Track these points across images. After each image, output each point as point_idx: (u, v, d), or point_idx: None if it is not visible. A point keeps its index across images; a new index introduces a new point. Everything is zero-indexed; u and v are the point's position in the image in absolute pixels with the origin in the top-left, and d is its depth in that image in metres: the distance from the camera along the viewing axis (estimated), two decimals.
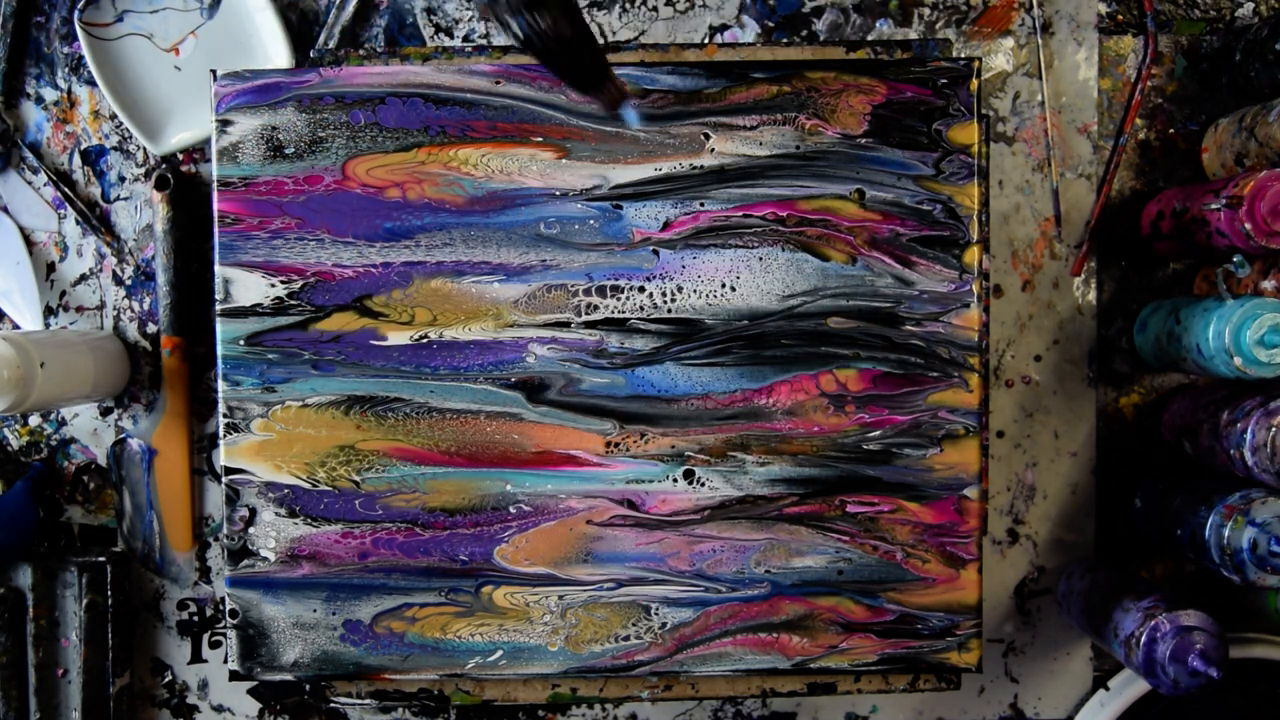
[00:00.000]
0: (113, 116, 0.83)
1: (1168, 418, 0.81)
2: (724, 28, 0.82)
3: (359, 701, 0.77)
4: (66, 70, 0.83)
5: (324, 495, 0.71)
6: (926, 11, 0.82)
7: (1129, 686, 0.81)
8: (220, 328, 0.71)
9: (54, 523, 0.84)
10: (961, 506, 0.71)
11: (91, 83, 0.83)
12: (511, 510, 0.72)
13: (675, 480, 0.71)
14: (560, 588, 0.72)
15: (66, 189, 0.83)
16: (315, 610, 0.72)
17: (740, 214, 0.71)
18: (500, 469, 0.71)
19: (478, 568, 0.72)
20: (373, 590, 0.72)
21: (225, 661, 0.79)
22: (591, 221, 0.71)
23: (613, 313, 0.71)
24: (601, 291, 0.71)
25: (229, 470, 0.71)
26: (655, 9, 0.82)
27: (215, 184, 0.71)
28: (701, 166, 0.71)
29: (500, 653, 0.72)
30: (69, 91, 0.83)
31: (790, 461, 0.71)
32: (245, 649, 0.72)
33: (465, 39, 0.82)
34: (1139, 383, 0.83)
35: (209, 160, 0.76)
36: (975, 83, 0.70)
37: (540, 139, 0.70)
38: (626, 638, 0.72)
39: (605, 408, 0.71)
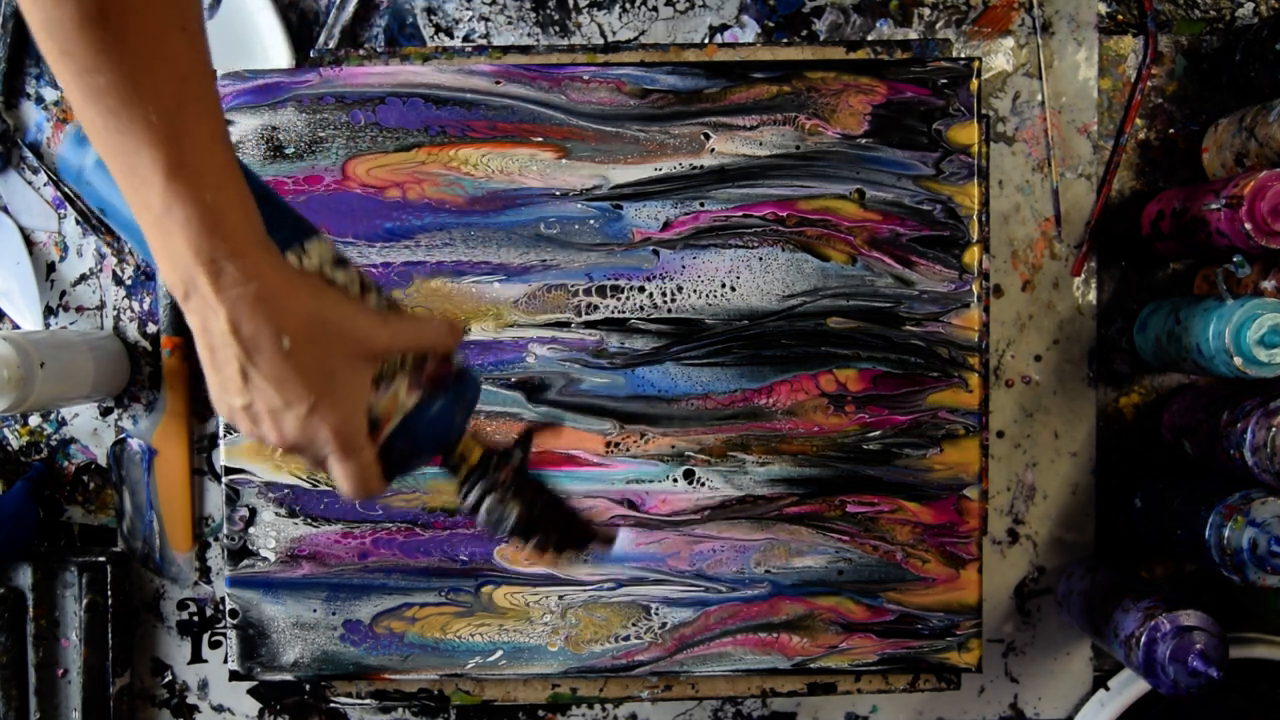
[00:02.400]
0: None
1: (1168, 418, 0.81)
2: (724, 28, 0.82)
3: (359, 701, 0.77)
4: None
5: (324, 495, 0.71)
6: (926, 11, 0.82)
7: (1129, 686, 0.81)
8: None
9: (54, 523, 0.84)
10: (961, 506, 0.71)
11: None
12: None
13: (675, 480, 0.71)
14: (560, 588, 0.72)
15: (66, 189, 0.83)
16: (315, 610, 0.72)
17: (740, 214, 0.71)
18: None
19: (478, 568, 0.72)
20: (373, 590, 0.72)
21: (225, 661, 0.79)
22: (591, 221, 0.71)
23: (613, 313, 0.71)
24: (601, 291, 0.71)
25: (229, 470, 0.71)
26: (655, 9, 0.82)
27: None
28: (701, 166, 0.71)
29: (500, 653, 0.72)
30: None
31: (790, 461, 0.71)
32: (245, 649, 0.72)
33: (465, 39, 0.82)
34: (1139, 383, 0.83)
35: None
36: (975, 83, 0.70)
37: (540, 139, 0.70)
38: (626, 638, 0.72)
39: (605, 408, 0.71)
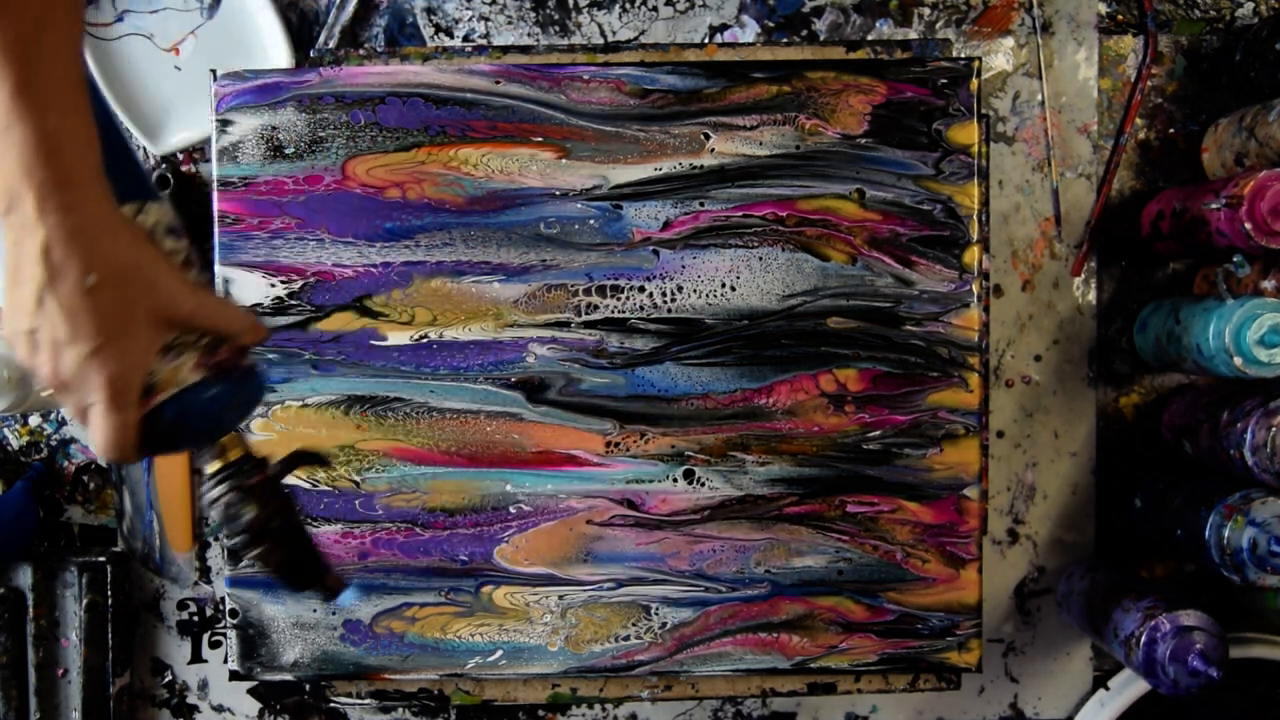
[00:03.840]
0: None
1: (1168, 418, 0.81)
2: (724, 28, 0.82)
3: (359, 701, 0.77)
4: None
5: (324, 495, 0.71)
6: (926, 11, 0.82)
7: (1129, 686, 0.81)
8: None
9: (54, 523, 0.84)
10: (961, 506, 0.71)
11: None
12: (511, 510, 0.72)
13: (675, 480, 0.71)
14: (560, 588, 0.72)
15: None
16: (315, 610, 0.72)
17: (740, 214, 0.71)
18: (500, 469, 0.71)
19: (478, 568, 0.72)
20: (373, 590, 0.72)
21: (225, 661, 0.79)
22: (591, 221, 0.71)
23: (613, 313, 0.71)
24: (601, 291, 0.71)
25: None
26: (655, 9, 0.82)
27: (215, 184, 0.71)
28: (701, 166, 0.71)
29: (500, 653, 0.72)
30: None
31: (790, 461, 0.71)
32: (245, 649, 0.72)
33: (465, 39, 0.82)
34: (1139, 383, 0.83)
35: (209, 160, 0.76)
36: (975, 83, 0.70)
37: (540, 139, 0.70)
38: (626, 638, 0.72)
39: (605, 408, 0.71)
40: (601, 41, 0.82)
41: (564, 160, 0.70)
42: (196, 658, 0.84)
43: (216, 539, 0.83)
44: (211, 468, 0.54)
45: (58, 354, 0.46)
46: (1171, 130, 0.82)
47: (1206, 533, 0.70)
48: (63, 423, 0.84)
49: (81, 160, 0.45)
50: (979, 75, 0.70)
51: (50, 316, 0.45)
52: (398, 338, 0.71)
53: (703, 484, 0.71)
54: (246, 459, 0.54)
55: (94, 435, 0.48)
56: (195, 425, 0.51)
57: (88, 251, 0.45)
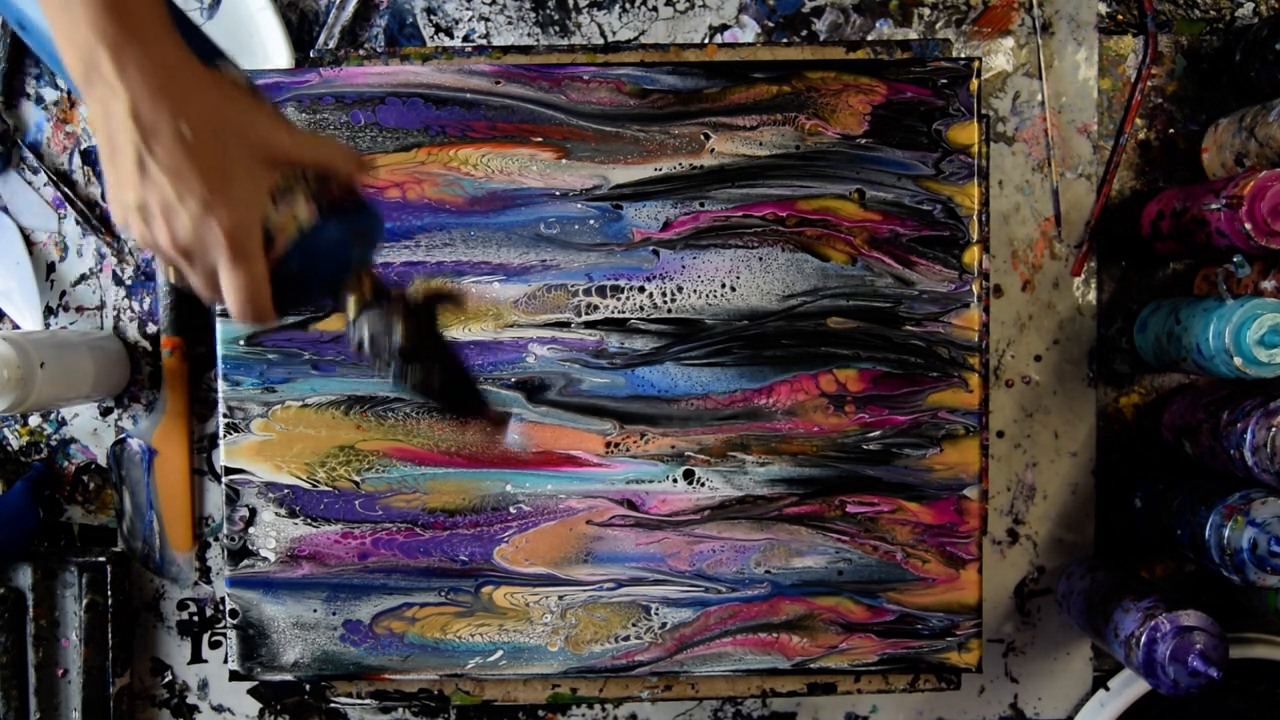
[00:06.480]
0: None
1: (1168, 418, 0.81)
2: (724, 28, 0.82)
3: (359, 701, 0.77)
4: None
5: (324, 495, 0.71)
6: (926, 11, 0.82)
7: (1129, 686, 0.81)
8: (220, 328, 0.71)
9: (54, 523, 0.84)
10: (961, 506, 0.71)
11: None
12: (511, 510, 0.72)
13: (675, 480, 0.71)
14: (560, 588, 0.72)
15: (66, 189, 0.83)
16: (315, 610, 0.72)
17: (740, 214, 0.71)
18: (500, 469, 0.71)
19: (478, 568, 0.72)
20: (373, 590, 0.72)
21: (225, 661, 0.79)
22: (591, 221, 0.71)
23: (613, 313, 0.71)
24: (601, 291, 0.71)
25: (229, 470, 0.71)
26: (655, 9, 0.82)
27: None
28: (701, 166, 0.71)
29: (500, 653, 0.72)
30: (69, 91, 0.83)
31: (790, 461, 0.71)
32: (245, 649, 0.72)
33: (465, 39, 0.82)
34: (1139, 383, 0.83)
35: None
36: (975, 83, 0.70)
37: (540, 139, 0.70)
38: (626, 638, 0.72)
39: (605, 408, 0.71)
40: (601, 42, 0.82)
41: (564, 160, 0.70)
42: (196, 658, 0.84)
43: (216, 539, 0.83)
44: (351, 308, 0.53)
45: (172, 218, 0.45)
46: (1171, 130, 0.82)
47: (1206, 533, 0.70)
48: (62, 423, 0.84)
49: (150, 11, 0.44)
50: (979, 75, 0.70)
51: (155, 181, 0.44)
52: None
53: (703, 484, 0.71)
54: (382, 288, 0.53)
55: (229, 297, 0.47)
56: (323, 268, 0.50)
57: (175, 101, 0.44)
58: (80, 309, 0.84)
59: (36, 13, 0.51)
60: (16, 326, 0.83)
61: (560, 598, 0.72)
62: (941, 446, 0.71)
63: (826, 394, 0.71)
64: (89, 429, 0.84)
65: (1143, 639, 0.70)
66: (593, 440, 0.71)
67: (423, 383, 0.53)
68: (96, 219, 0.83)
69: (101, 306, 0.83)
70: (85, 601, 0.81)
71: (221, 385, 0.71)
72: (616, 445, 0.71)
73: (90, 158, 0.83)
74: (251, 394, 0.71)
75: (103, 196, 0.83)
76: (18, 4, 0.52)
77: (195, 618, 0.84)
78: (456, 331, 0.71)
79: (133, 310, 0.83)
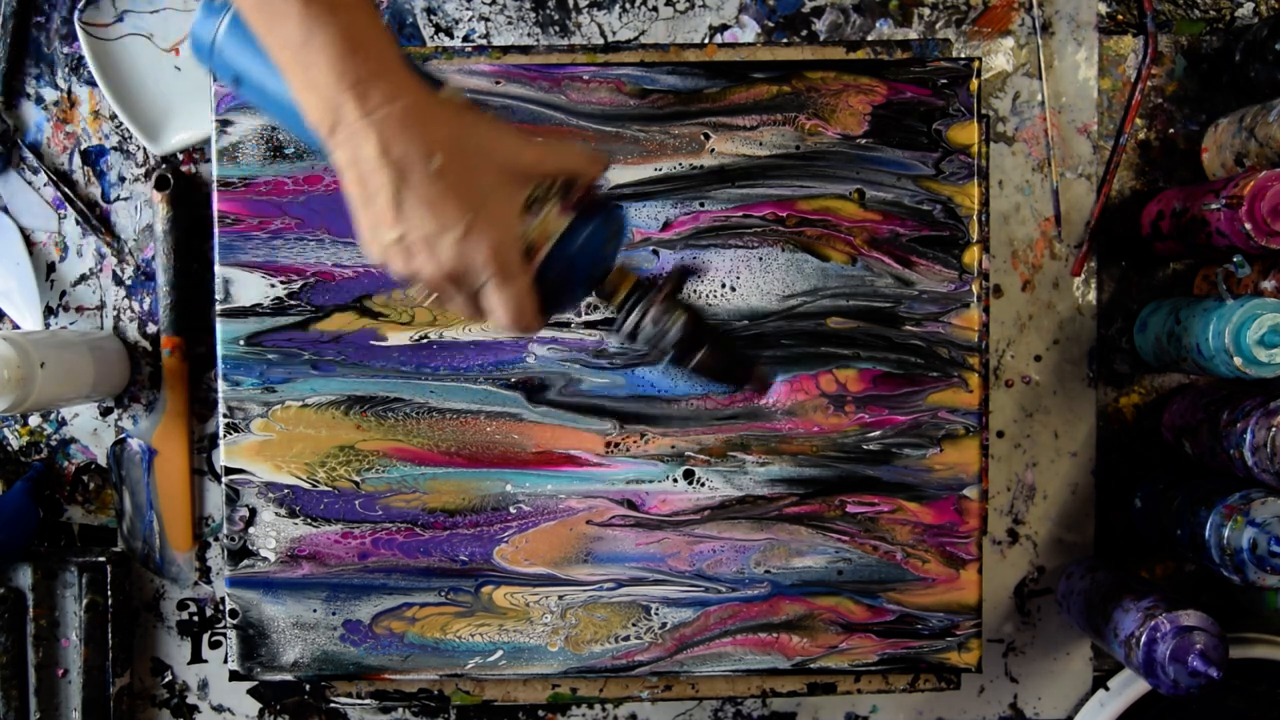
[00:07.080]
0: (113, 116, 0.83)
1: (1168, 418, 0.81)
2: (724, 28, 0.82)
3: (359, 701, 0.77)
4: (66, 70, 0.83)
5: (324, 495, 0.71)
6: (926, 11, 0.82)
7: (1129, 686, 0.81)
8: (220, 328, 0.71)
9: (54, 523, 0.84)
10: (961, 506, 0.71)
11: (91, 83, 0.83)
12: (511, 510, 0.72)
13: (675, 480, 0.71)
14: (560, 588, 0.72)
15: (66, 189, 0.82)
16: (315, 610, 0.72)
17: (740, 214, 0.71)
18: (500, 469, 0.71)
19: (478, 568, 0.72)
20: (373, 590, 0.72)
21: (225, 661, 0.79)
22: None
23: (613, 313, 0.71)
24: None
25: (229, 470, 0.71)
26: (655, 9, 0.82)
27: (215, 184, 0.71)
28: (701, 166, 0.71)
29: (500, 653, 0.72)
30: (69, 91, 0.83)
31: (790, 461, 0.71)
32: (245, 649, 0.72)
33: (465, 39, 0.82)
34: (1139, 383, 0.83)
35: (209, 160, 0.76)
36: (975, 83, 0.70)
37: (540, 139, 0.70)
38: (626, 638, 0.72)
39: (605, 408, 0.71)
40: (601, 41, 0.82)
41: None
42: (196, 658, 0.84)
43: (216, 539, 0.83)
44: (616, 301, 0.54)
45: (433, 249, 0.45)
46: (1171, 130, 0.82)
47: (1206, 533, 0.71)
48: (62, 423, 0.84)
49: (385, 47, 0.44)
50: (979, 75, 0.70)
51: (412, 214, 0.45)
52: (398, 338, 0.71)
53: (703, 484, 0.71)
54: (644, 279, 0.54)
55: (497, 314, 0.48)
56: (582, 269, 0.51)
57: (422, 134, 0.44)
58: (80, 309, 0.84)
59: (258, 67, 0.50)
60: (16, 326, 0.83)
61: (560, 598, 0.72)
62: (941, 446, 0.71)
63: (826, 394, 0.71)
64: (89, 429, 0.84)
65: (1143, 639, 0.70)
66: (593, 440, 0.71)
67: (703, 365, 0.55)
68: (96, 219, 0.83)
69: (101, 306, 0.83)
70: (85, 601, 0.81)
71: (221, 385, 0.71)
72: (616, 445, 0.71)
73: (90, 157, 0.83)
74: (251, 394, 0.71)
75: (104, 196, 0.83)
76: (231, 60, 0.51)
77: (195, 618, 0.84)
78: (457, 332, 0.71)
79: (133, 310, 0.83)
